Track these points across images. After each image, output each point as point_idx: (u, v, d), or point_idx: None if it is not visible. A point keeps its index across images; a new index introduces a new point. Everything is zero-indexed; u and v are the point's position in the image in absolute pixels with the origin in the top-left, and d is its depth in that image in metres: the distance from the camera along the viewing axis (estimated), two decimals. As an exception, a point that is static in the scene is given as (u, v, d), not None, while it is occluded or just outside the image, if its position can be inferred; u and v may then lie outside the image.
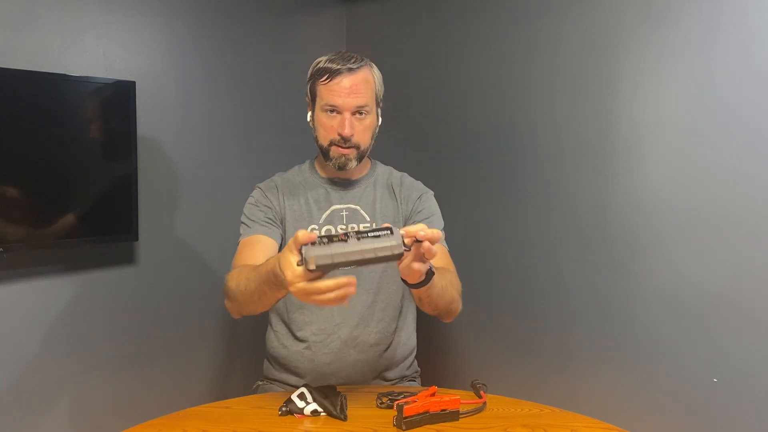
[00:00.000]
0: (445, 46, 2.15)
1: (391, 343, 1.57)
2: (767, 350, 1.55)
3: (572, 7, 1.84)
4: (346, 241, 1.01)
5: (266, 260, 1.22)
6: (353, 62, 1.46)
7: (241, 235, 1.53)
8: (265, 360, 1.65)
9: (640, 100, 1.73)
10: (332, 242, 1.02)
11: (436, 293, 1.30)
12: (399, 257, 1.03)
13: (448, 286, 1.36)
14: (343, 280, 1.02)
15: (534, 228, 1.96)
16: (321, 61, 1.49)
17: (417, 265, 1.13)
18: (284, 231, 1.54)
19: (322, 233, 1.51)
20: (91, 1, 1.79)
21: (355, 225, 1.54)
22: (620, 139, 1.76)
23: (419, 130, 2.23)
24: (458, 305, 1.44)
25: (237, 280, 1.31)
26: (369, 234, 1.03)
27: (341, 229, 1.53)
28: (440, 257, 1.53)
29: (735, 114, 1.57)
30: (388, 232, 1.03)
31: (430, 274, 1.22)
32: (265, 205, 1.54)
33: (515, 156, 1.99)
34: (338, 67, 1.45)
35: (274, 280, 1.14)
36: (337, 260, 0.99)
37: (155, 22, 1.94)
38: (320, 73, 1.47)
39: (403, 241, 1.04)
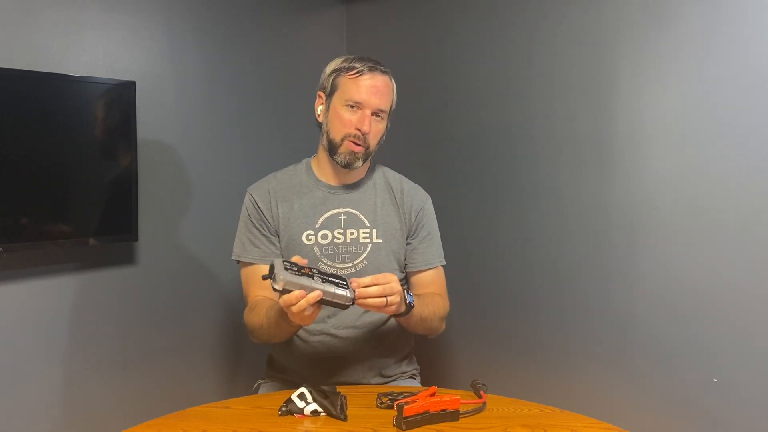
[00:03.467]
0: (445, 46, 2.15)
1: (386, 322, 1.57)
2: (767, 350, 1.56)
3: (572, 8, 1.84)
4: (312, 277, 1.24)
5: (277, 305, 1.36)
6: (380, 65, 1.50)
7: (236, 253, 1.55)
8: (267, 358, 1.66)
9: (639, 101, 1.73)
10: (301, 274, 1.23)
11: (414, 322, 1.46)
12: (346, 308, 1.27)
13: (429, 317, 1.49)
14: (298, 294, 1.21)
15: (533, 228, 1.96)
16: (347, 58, 1.51)
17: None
18: (279, 238, 1.54)
19: (318, 237, 1.52)
20: (91, 1, 1.79)
21: (354, 230, 1.54)
22: (619, 140, 1.77)
23: (418, 130, 2.22)
24: (438, 331, 1.56)
25: (258, 321, 1.44)
26: (330, 279, 1.26)
27: (338, 233, 1.53)
28: (434, 280, 1.60)
29: (733, 114, 1.57)
30: (346, 285, 1.26)
31: (409, 307, 1.38)
32: (259, 221, 1.54)
33: (514, 156, 1.99)
34: (368, 65, 1.48)
35: (286, 318, 1.31)
36: (299, 290, 1.21)
37: (155, 22, 1.94)
38: (348, 68, 1.49)
39: (354, 296, 1.26)
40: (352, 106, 1.47)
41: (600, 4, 1.78)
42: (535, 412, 1.31)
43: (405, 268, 1.60)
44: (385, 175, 1.63)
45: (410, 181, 1.65)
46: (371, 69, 1.48)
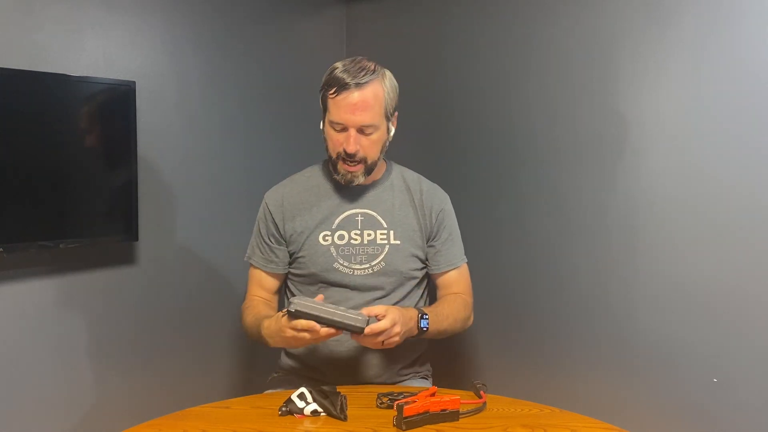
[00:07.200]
0: (445, 46, 2.14)
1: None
2: (767, 350, 1.56)
3: (573, 8, 1.84)
4: (323, 306, 1.29)
5: (268, 323, 1.42)
6: (363, 75, 1.43)
7: (248, 254, 1.64)
8: (283, 353, 1.67)
9: (639, 100, 1.72)
10: (314, 302, 1.30)
11: (431, 336, 1.49)
12: (359, 331, 1.28)
13: (447, 329, 1.53)
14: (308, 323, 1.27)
15: (534, 227, 1.95)
16: (335, 68, 1.46)
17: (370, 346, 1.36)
18: (288, 242, 1.57)
19: (335, 238, 1.53)
20: (91, 1, 1.79)
21: (371, 232, 1.54)
22: (619, 140, 1.76)
23: (419, 130, 2.22)
24: (461, 330, 1.60)
25: (249, 323, 1.52)
26: (343, 309, 1.31)
27: (355, 234, 1.54)
28: (458, 280, 1.64)
29: (733, 114, 1.57)
30: (359, 317, 1.29)
31: (421, 332, 1.42)
32: (266, 229, 1.59)
33: (515, 155, 1.99)
34: (347, 81, 1.42)
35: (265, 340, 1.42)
36: (312, 312, 1.27)
37: (155, 22, 1.93)
38: (330, 85, 1.45)
39: (367, 322, 1.29)
40: (338, 126, 1.45)
41: (599, 4, 1.78)
42: (535, 412, 1.31)
43: (429, 270, 1.62)
44: (403, 175, 1.63)
45: (428, 181, 1.65)
46: (350, 86, 1.42)
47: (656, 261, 1.71)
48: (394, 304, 1.53)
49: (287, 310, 1.29)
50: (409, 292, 1.58)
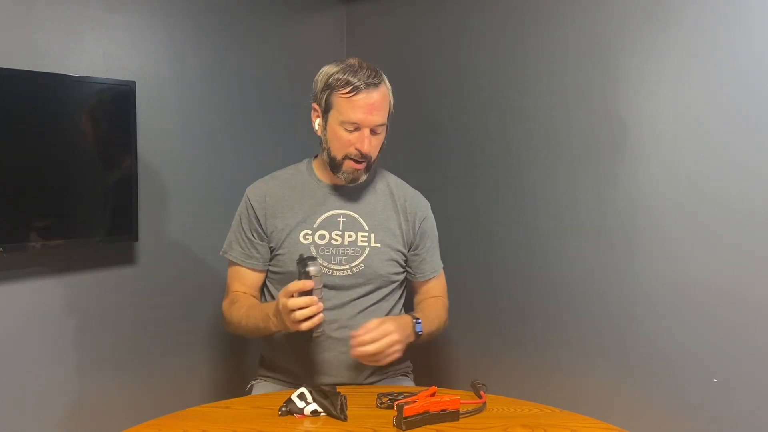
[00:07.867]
0: (445, 47, 2.15)
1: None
2: (767, 350, 1.56)
3: (573, 9, 1.84)
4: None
5: (262, 307, 1.47)
6: (373, 77, 1.45)
7: (224, 249, 1.60)
8: (260, 358, 1.67)
9: (637, 102, 1.72)
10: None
11: (423, 341, 1.51)
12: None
13: (435, 331, 1.56)
14: (312, 299, 1.30)
15: (533, 227, 1.95)
16: (335, 71, 1.46)
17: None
18: (269, 238, 1.56)
19: (315, 237, 1.53)
20: (91, 1, 1.79)
21: (352, 233, 1.54)
22: (616, 142, 1.76)
23: (418, 131, 2.23)
24: (442, 332, 1.62)
25: (237, 317, 1.51)
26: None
27: (336, 235, 1.54)
28: (436, 284, 1.67)
29: (732, 113, 1.57)
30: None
31: (417, 336, 1.46)
32: (248, 223, 1.57)
33: (512, 157, 1.99)
34: (360, 82, 1.43)
35: (267, 322, 1.42)
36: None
37: (155, 22, 1.94)
38: (341, 85, 1.44)
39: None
40: (351, 126, 1.45)
41: (598, 5, 1.78)
42: (535, 412, 1.31)
43: (413, 278, 1.63)
44: (386, 179, 1.63)
45: (411, 188, 1.66)
46: (366, 86, 1.43)
47: (656, 262, 1.71)
48: (372, 305, 1.55)
49: (305, 272, 1.31)
50: (387, 295, 1.58)
